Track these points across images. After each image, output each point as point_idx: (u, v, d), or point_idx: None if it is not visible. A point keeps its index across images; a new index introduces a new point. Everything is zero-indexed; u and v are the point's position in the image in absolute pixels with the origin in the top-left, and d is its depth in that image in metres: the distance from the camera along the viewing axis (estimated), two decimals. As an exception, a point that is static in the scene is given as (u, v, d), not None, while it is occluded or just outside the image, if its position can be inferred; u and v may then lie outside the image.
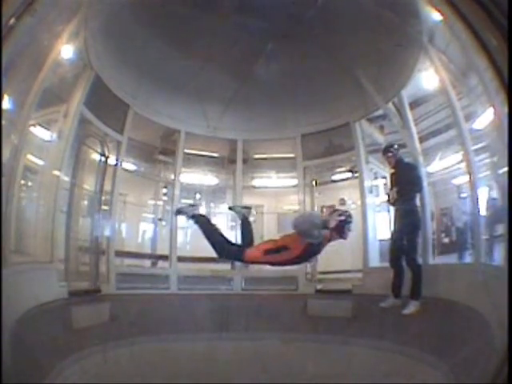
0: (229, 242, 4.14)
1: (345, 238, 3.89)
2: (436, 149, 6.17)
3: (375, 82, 5.95)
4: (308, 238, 3.76)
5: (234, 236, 7.25)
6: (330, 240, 3.88)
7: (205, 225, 4.28)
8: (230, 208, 5.32)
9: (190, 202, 8.69)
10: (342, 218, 3.85)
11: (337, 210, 4.02)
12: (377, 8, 4.81)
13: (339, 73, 6.00)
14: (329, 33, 5.51)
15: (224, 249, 4.08)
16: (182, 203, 7.28)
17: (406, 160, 5.66)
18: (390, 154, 5.55)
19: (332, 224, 3.81)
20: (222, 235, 4.16)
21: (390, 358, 4.94)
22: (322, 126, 7.05)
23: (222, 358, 5.57)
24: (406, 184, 5.28)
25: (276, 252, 3.86)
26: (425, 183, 5.60)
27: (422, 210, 5.51)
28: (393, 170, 5.63)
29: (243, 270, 7.15)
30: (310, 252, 3.87)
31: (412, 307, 4.86)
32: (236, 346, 5.85)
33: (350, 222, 3.88)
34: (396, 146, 5.65)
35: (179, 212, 4.68)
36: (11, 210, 4.12)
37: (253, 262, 4.17)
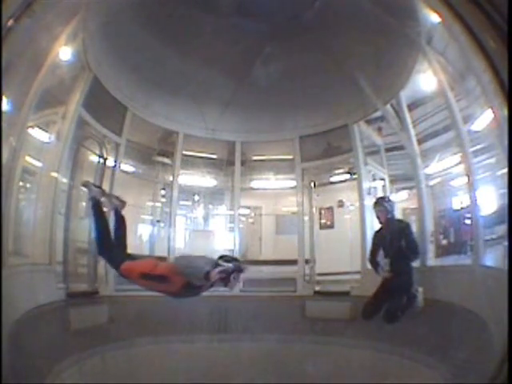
0: (113, 244, 3.99)
1: (231, 288, 3.58)
2: (434, 150, 6.18)
3: (373, 83, 5.95)
4: (189, 279, 3.50)
5: (232, 237, 7.29)
6: (212, 285, 3.58)
7: (99, 213, 4.15)
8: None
9: (189, 203, 8.69)
10: (223, 275, 3.46)
11: (220, 265, 3.53)
12: (375, 10, 4.82)
13: (337, 74, 6.00)
14: (327, 35, 5.52)
15: (105, 248, 3.92)
16: (181, 204, 7.27)
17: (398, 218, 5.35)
18: (382, 208, 5.18)
19: (213, 277, 3.42)
20: (109, 233, 3.99)
21: (388, 360, 4.95)
22: (321, 127, 7.03)
23: (221, 360, 5.57)
24: (399, 248, 4.96)
25: (153, 279, 3.62)
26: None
27: (421, 211, 5.51)
28: (381, 227, 5.34)
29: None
30: (188, 291, 3.59)
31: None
32: (234, 348, 5.84)
33: (238, 272, 3.54)
34: (388, 199, 5.22)
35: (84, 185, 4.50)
36: (9, 212, 4.11)
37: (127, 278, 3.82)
